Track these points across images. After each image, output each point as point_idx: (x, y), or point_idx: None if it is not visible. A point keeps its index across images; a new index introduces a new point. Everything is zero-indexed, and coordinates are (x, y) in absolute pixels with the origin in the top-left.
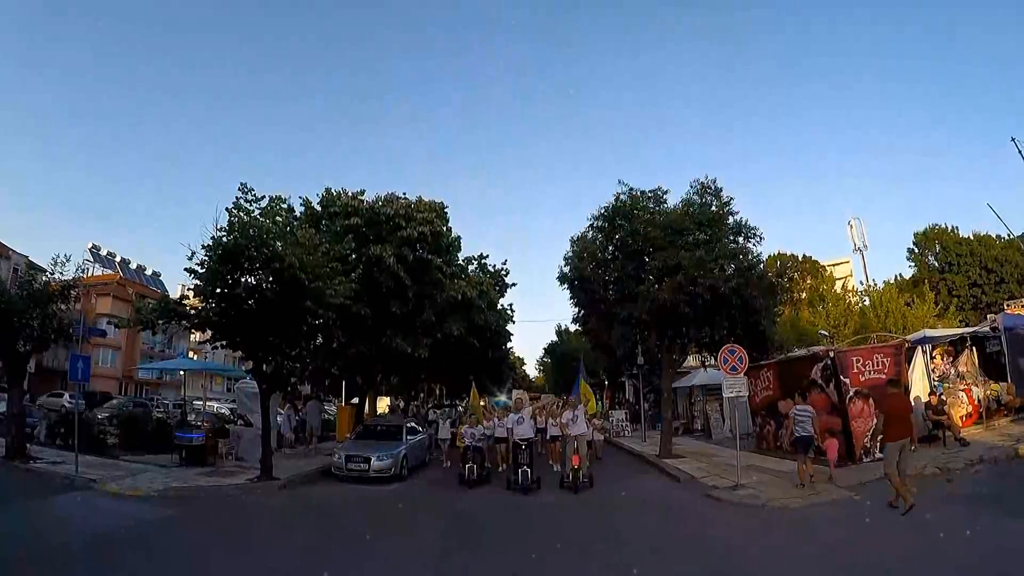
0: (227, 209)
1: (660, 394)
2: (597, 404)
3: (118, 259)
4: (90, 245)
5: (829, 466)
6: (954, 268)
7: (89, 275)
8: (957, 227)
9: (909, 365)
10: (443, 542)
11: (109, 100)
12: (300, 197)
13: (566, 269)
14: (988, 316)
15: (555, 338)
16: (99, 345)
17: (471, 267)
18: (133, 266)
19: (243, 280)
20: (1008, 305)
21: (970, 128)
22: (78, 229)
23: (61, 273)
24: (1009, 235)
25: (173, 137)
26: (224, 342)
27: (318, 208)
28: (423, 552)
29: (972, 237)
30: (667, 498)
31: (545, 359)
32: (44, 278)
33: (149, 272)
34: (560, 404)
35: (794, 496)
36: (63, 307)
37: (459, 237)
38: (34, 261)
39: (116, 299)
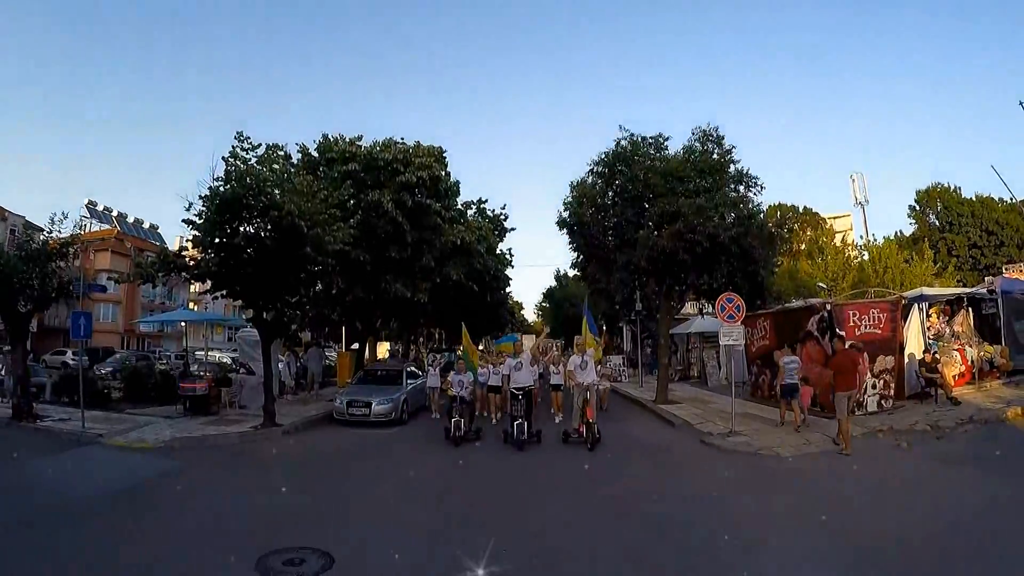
0: (223, 158)
1: (657, 340)
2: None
3: (115, 213)
4: (87, 201)
5: (803, 412)
6: (954, 228)
7: (87, 231)
8: (960, 187)
9: (905, 322)
10: (444, 486)
11: (99, 53)
12: (297, 144)
13: (565, 214)
14: (986, 278)
15: (554, 283)
16: (100, 301)
17: (470, 212)
18: (131, 220)
19: (242, 229)
20: (1007, 269)
21: (979, 90)
22: (74, 186)
23: (59, 231)
24: (1012, 199)
25: (167, 87)
26: (224, 292)
27: (315, 155)
28: (425, 495)
29: (974, 198)
30: (663, 444)
31: (544, 304)
32: (42, 237)
33: (147, 225)
34: (556, 347)
35: (786, 445)
36: (62, 265)
37: (458, 182)
38: (31, 221)
39: (115, 254)
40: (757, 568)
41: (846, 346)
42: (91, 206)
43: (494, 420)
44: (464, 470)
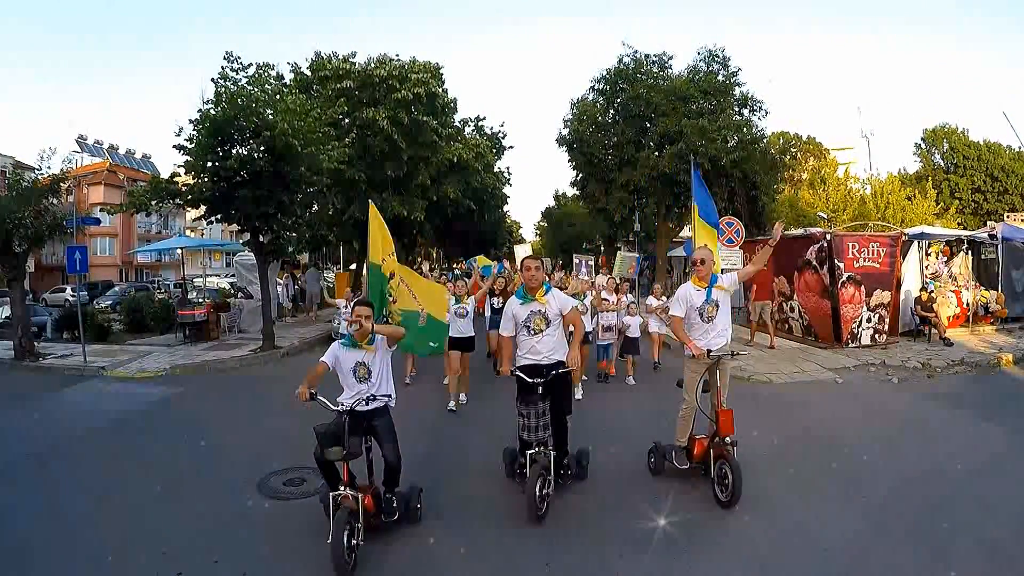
0: (213, 80)
1: (655, 262)
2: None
3: (106, 146)
4: (77, 135)
5: None
6: (959, 170)
7: (78, 166)
8: (967, 130)
9: (904, 259)
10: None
11: None
12: (289, 63)
13: (565, 132)
14: (988, 223)
15: (552, 203)
16: (96, 234)
17: (467, 129)
18: (122, 151)
19: (234, 152)
20: (1009, 216)
21: (995, 32)
22: (63, 122)
23: (49, 167)
24: (1021, 147)
25: (154, 10)
26: (219, 216)
27: (308, 73)
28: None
29: (982, 143)
30: (663, 367)
31: (542, 223)
32: (31, 175)
33: (139, 156)
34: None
35: (780, 372)
36: (55, 202)
37: (455, 99)
38: (21, 160)
39: (108, 186)
40: (751, 491)
41: (847, 277)
42: (81, 140)
43: (453, 404)
44: None
